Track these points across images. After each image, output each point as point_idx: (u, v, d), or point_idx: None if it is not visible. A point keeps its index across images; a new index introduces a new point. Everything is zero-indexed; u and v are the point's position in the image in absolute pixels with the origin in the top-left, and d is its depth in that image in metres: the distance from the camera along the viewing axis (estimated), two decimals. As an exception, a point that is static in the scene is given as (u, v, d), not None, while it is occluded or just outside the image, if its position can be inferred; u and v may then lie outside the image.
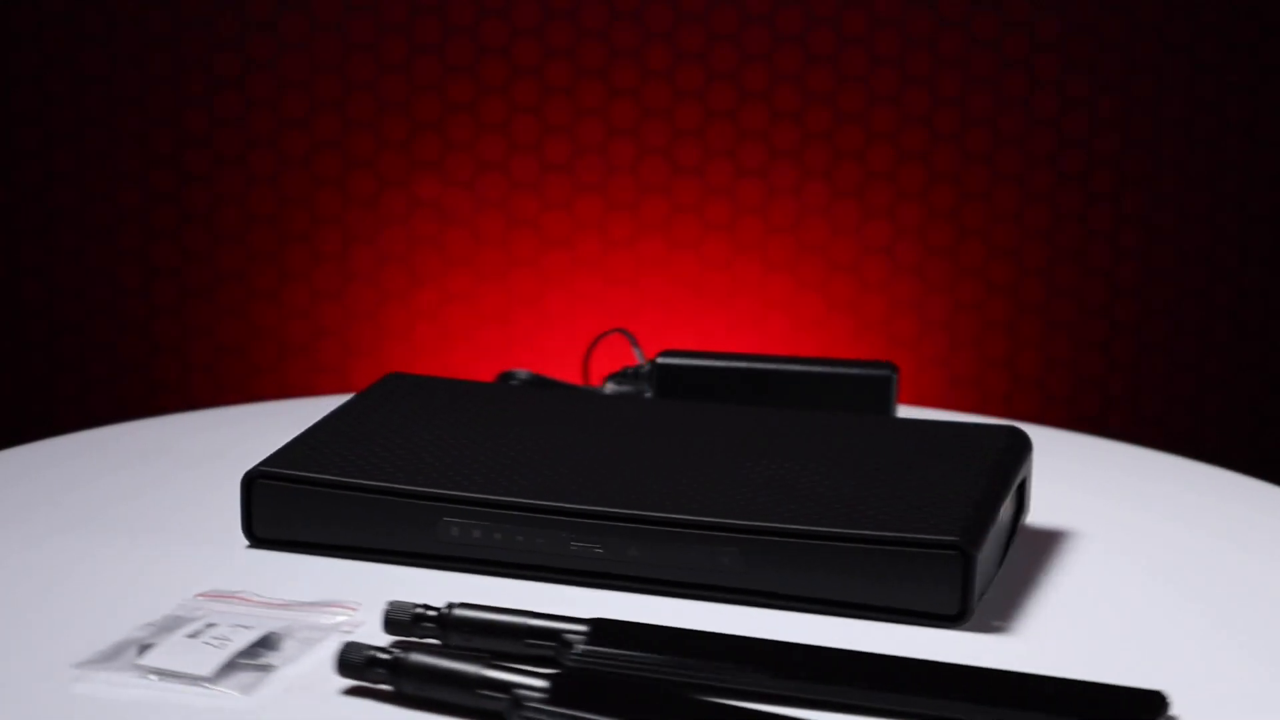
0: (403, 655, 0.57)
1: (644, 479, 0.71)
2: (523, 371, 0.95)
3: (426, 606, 0.61)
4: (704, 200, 1.70)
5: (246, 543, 0.75)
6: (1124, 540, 0.78)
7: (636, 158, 1.70)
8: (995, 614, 0.68)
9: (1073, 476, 0.86)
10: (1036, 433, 0.85)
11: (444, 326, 1.71)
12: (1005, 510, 0.72)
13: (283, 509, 0.73)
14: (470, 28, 1.67)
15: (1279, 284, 1.74)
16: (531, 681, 0.56)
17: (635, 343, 0.90)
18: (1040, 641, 0.66)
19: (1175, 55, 1.69)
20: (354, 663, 0.58)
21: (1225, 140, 1.71)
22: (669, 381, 0.89)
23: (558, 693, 0.55)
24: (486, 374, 1.70)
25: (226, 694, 0.60)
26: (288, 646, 0.63)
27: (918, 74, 1.69)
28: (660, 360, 0.89)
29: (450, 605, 0.61)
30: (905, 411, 0.93)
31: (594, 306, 1.71)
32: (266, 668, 0.62)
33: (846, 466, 0.72)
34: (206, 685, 0.60)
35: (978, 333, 1.74)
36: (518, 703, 0.55)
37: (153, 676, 0.61)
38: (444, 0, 1.66)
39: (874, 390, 0.86)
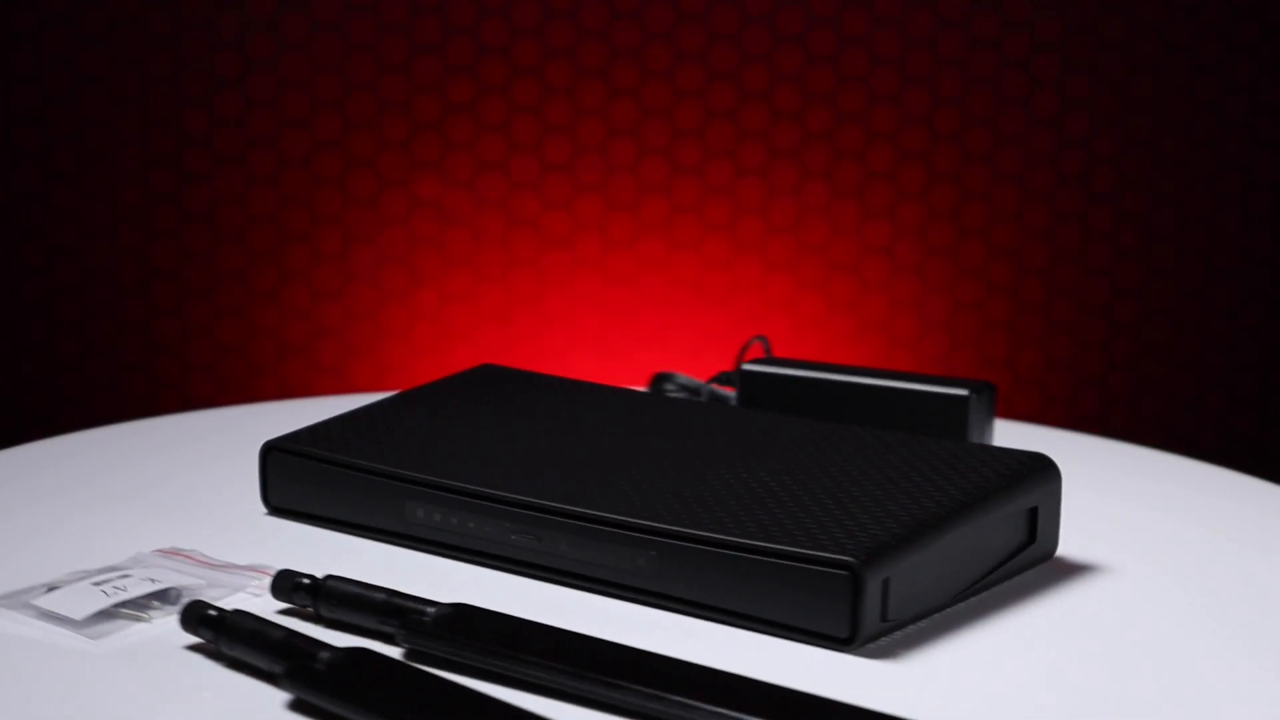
0: (227, 615, 0.61)
1: (591, 477, 0.71)
2: (682, 376, 0.93)
3: (309, 576, 0.64)
4: (704, 200, 1.70)
5: (251, 515, 0.79)
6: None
7: (636, 158, 1.70)
8: (914, 642, 0.64)
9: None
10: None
11: (444, 326, 1.71)
12: (966, 538, 0.67)
13: (290, 481, 0.77)
14: (470, 28, 1.67)
15: (1279, 284, 1.74)
16: (321, 654, 0.58)
17: (768, 349, 0.89)
18: (935, 677, 0.61)
19: (1175, 55, 1.69)
20: (189, 618, 0.62)
21: (1225, 140, 1.71)
22: (751, 389, 0.86)
23: (333, 669, 0.57)
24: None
25: (75, 637, 0.63)
26: (182, 602, 0.66)
27: (918, 74, 1.69)
28: (744, 368, 0.87)
29: (326, 577, 0.64)
30: (1004, 428, 0.93)
31: (594, 306, 1.71)
32: (138, 619, 0.65)
33: (809, 480, 0.70)
34: (71, 628, 0.63)
35: (978, 333, 1.74)
36: (289, 674, 0.57)
37: (31, 614, 0.64)
38: (444, 0, 1.66)
39: (950, 410, 0.81)
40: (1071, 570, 0.74)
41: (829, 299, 1.72)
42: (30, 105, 1.66)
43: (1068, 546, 0.76)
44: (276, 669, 0.58)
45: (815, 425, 0.78)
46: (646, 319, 1.71)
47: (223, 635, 0.60)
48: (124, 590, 0.66)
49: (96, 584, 0.66)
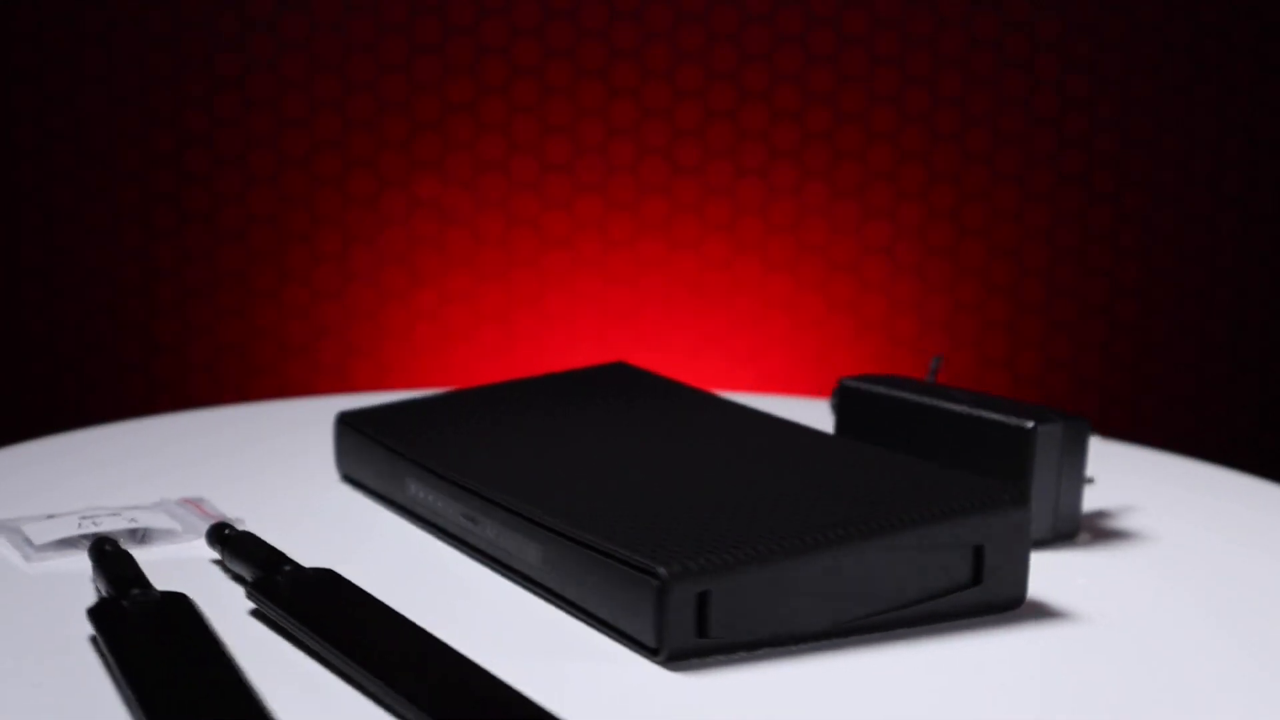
0: (104, 544, 0.66)
1: (534, 470, 0.72)
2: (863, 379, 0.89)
3: (229, 527, 0.69)
4: (704, 200, 1.70)
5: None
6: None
7: (636, 158, 1.70)
8: (744, 665, 0.60)
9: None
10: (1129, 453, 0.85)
11: (444, 326, 1.71)
12: (850, 566, 0.62)
13: (351, 452, 0.82)
14: (470, 28, 1.67)
15: (1279, 284, 1.74)
16: (134, 596, 0.61)
17: (934, 369, 0.87)
18: (721, 701, 0.57)
19: (1175, 55, 1.69)
20: (93, 551, 0.67)
21: (1225, 140, 1.71)
22: (847, 405, 0.83)
23: (142, 608, 0.60)
24: (486, 374, 1.70)
25: (17, 556, 0.70)
26: (150, 539, 0.72)
27: (918, 74, 1.69)
28: (843, 383, 0.84)
29: (240, 532, 0.69)
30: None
31: (594, 306, 1.71)
32: (79, 547, 0.70)
33: (728, 488, 0.68)
34: (24, 550, 0.69)
35: (978, 333, 1.74)
36: (94, 610, 0.61)
37: (5, 533, 0.71)
38: (444, 0, 1.66)
39: (1011, 441, 0.74)
40: (1058, 570, 0.74)
41: (829, 299, 1.72)
42: (30, 105, 1.66)
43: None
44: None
45: (815, 437, 0.77)
46: (646, 319, 1.71)
47: (95, 565, 0.65)
48: (97, 525, 0.71)
49: (85, 517, 0.71)
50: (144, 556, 0.70)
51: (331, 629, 0.59)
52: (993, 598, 0.66)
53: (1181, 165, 1.71)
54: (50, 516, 0.72)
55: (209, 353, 1.71)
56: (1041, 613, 0.67)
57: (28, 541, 0.70)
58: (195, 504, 0.77)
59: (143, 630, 0.58)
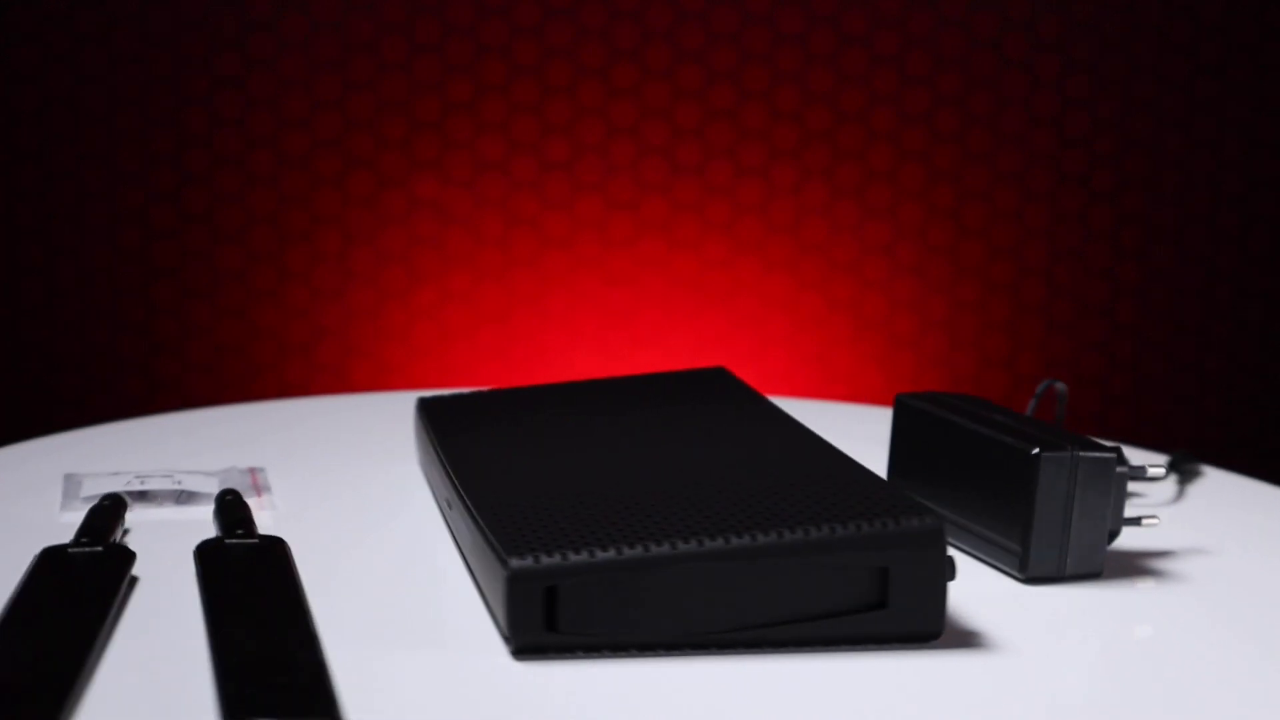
0: (225, 495, 0.73)
1: (517, 466, 0.72)
2: (1061, 384, 0.87)
3: (230, 494, 0.75)
4: (704, 200, 1.70)
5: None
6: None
7: (636, 158, 1.70)
8: (596, 664, 0.59)
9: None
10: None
11: (444, 326, 1.71)
12: (722, 574, 0.60)
13: (418, 437, 0.84)
14: (470, 28, 1.67)
15: (1279, 284, 1.74)
16: (89, 548, 0.66)
17: (1063, 399, 0.83)
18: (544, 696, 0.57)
19: (1175, 55, 1.69)
20: (216, 499, 0.74)
21: (1225, 140, 1.71)
22: (902, 420, 0.81)
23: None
24: (486, 374, 1.70)
25: (56, 504, 0.76)
26: (192, 501, 0.78)
27: (918, 74, 1.69)
28: (899, 399, 0.81)
29: (231, 498, 0.74)
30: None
31: (594, 306, 1.71)
32: (118, 505, 0.74)
33: (659, 489, 0.67)
34: (67, 499, 0.76)
35: (978, 333, 1.74)
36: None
37: (64, 484, 0.79)
38: (443, 0, 1.66)
39: (1017, 467, 0.69)
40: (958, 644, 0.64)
41: (829, 299, 1.72)
42: (30, 105, 1.66)
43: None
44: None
45: (800, 444, 0.74)
46: (646, 319, 1.71)
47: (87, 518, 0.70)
48: (144, 484, 0.78)
49: (140, 477, 0.79)
50: (183, 515, 0.76)
51: (213, 595, 0.62)
52: (900, 627, 0.61)
53: (1181, 165, 1.71)
54: (114, 474, 0.79)
55: (209, 353, 1.71)
56: (967, 645, 0.62)
57: (77, 492, 0.77)
58: (254, 473, 0.82)
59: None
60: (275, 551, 0.66)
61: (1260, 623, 0.68)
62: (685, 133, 1.69)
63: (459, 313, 1.71)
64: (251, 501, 0.76)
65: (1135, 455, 0.91)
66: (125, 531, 0.73)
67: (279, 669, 0.54)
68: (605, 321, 1.71)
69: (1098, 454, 0.69)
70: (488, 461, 0.73)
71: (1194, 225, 1.72)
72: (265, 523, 0.74)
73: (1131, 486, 0.86)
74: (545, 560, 0.59)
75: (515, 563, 0.59)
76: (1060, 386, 0.84)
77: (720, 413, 0.81)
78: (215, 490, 0.78)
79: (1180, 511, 0.85)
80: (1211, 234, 1.73)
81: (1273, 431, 1.76)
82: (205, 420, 0.99)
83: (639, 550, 0.60)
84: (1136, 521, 0.73)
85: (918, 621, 0.61)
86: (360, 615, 0.63)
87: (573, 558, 0.59)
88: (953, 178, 1.70)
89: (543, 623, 0.59)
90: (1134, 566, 0.74)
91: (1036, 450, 0.69)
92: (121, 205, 1.68)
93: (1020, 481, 0.69)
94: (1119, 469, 0.70)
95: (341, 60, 1.66)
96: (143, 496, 0.77)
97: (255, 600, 0.61)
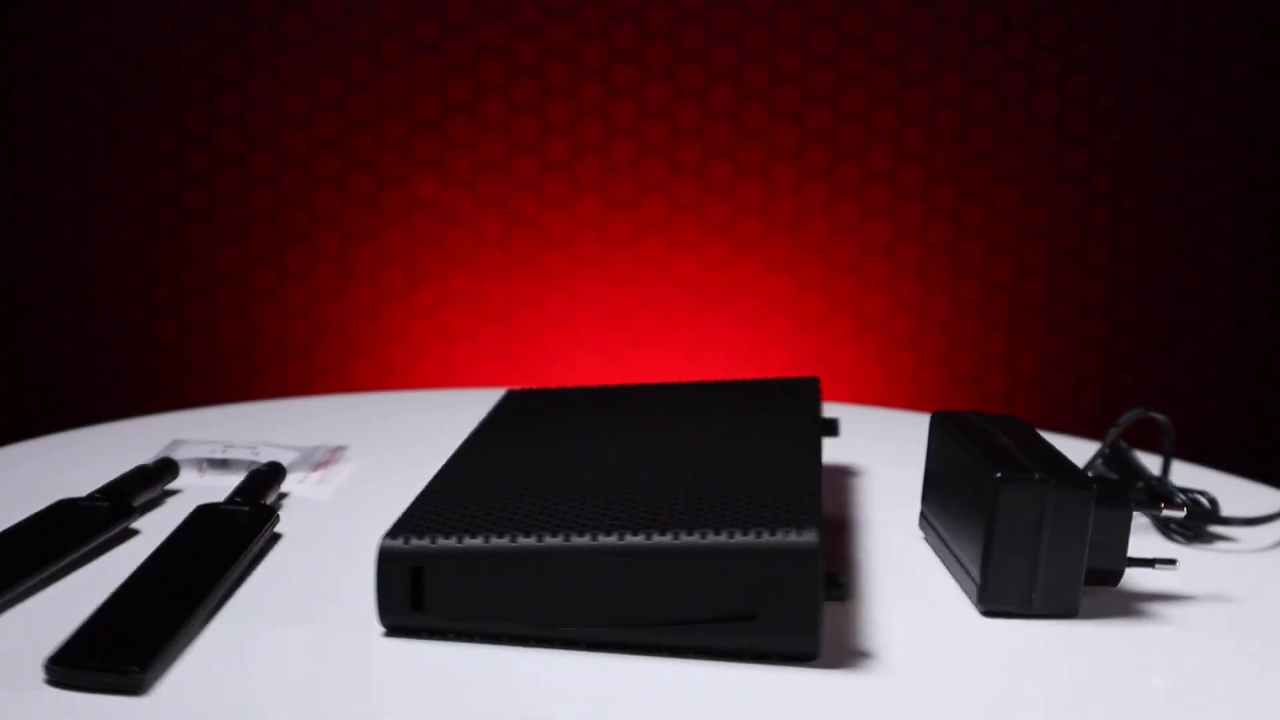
0: (266, 466, 0.78)
1: (510, 457, 0.74)
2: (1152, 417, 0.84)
3: (273, 464, 0.79)
4: (704, 200, 1.70)
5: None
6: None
7: (636, 158, 1.70)
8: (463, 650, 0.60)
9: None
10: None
11: (444, 326, 1.71)
12: (597, 571, 0.60)
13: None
14: (470, 28, 1.67)
15: (1279, 284, 1.74)
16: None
17: (1170, 431, 0.75)
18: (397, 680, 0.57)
19: (1175, 55, 1.69)
20: (254, 469, 0.78)
21: (1225, 140, 1.71)
22: (932, 434, 0.79)
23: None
24: (486, 374, 1.70)
25: (153, 464, 0.80)
26: (255, 471, 0.81)
27: (918, 74, 1.69)
28: (933, 417, 0.79)
29: (268, 468, 0.78)
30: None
31: (594, 306, 1.71)
32: (200, 469, 0.82)
33: (597, 473, 0.68)
34: (158, 455, 0.82)
35: (978, 333, 1.74)
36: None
37: (165, 442, 0.86)
38: (444, 0, 1.66)
39: (984, 491, 0.65)
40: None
41: (829, 299, 1.72)
42: (30, 105, 1.66)
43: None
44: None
45: (778, 442, 0.74)
46: (646, 319, 1.71)
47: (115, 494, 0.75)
48: (226, 453, 0.83)
49: (231, 446, 0.84)
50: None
51: (157, 554, 0.65)
52: (771, 643, 0.60)
53: (1181, 165, 1.71)
54: (207, 442, 0.85)
55: (209, 353, 1.71)
56: (849, 667, 0.60)
57: (174, 452, 0.83)
58: (335, 450, 0.86)
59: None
60: (253, 522, 0.70)
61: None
62: (685, 133, 1.69)
63: (459, 313, 1.71)
64: (311, 476, 0.81)
65: (1189, 474, 0.87)
66: (282, 496, 0.79)
67: (130, 626, 0.57)
68: (605, 321, 1.71)
69: (1071, 486, 0.64)
70: (493, 453, 0.74)
71: (1194, 225, 1.72)
72: (308, 496, 0.79)
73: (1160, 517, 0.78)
74: (414, 542, 0.61)
75: (386, 543, 0.60)
76: (1161, 419, 0.77)
77: (748, 421, 0.80)
78: (281, 461, 0.82)
79: (1199, 556, 0.77)
80: (1211, 234, 1.72)
81: (1273, 431, 1.76)
82: (351, 404, 1.03)
83: (505, 540, 0.60)
84: (1149, 564, 0.67)
85: (789, 639, 0.59)
86: (285, 590, 0.65)
87: (440, 541, 0.60)
88: (953, 178, 1.70)
89: (409, 603, 0.60)
90: (1126, 609, 0.67)
91: (999, 474, 0.64)
92: (121, 205, 1.68)
93: (984, 507, 0.65)
94: (1119, 506, 0.64)
95: (341, 60, 1.66)
96: (223, 465, 0.82)
97: (187, 562, 0.65)
